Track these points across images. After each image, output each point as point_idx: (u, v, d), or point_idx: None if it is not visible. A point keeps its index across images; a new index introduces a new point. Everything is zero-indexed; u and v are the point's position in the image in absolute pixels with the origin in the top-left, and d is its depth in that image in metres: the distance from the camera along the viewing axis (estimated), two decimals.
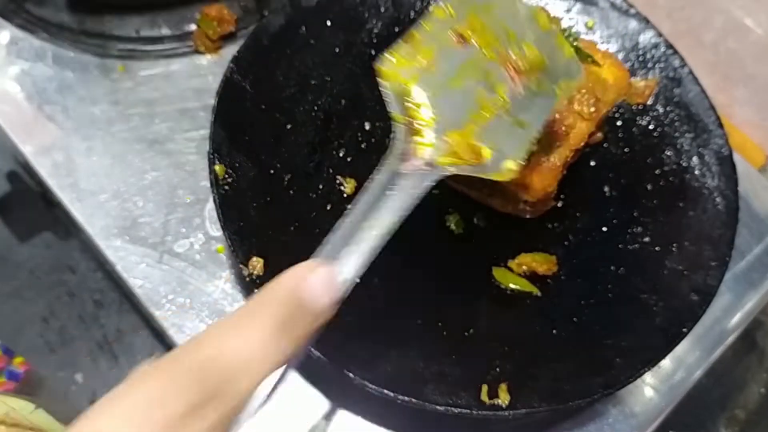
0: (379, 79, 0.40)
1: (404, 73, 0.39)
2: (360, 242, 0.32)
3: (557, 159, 0.50)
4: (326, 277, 0.30)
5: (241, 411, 0.25)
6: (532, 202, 0.53)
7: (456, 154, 0.38)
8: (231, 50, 0.70)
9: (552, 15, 0.66)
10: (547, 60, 0.43)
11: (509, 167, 0.40)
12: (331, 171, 0.60)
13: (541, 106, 0.42)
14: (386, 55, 0.40)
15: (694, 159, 0.60)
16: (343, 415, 0.55)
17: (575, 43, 0.53)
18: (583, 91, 0.51)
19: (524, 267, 0.57)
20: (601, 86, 0.52)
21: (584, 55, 0.53)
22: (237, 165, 0.54)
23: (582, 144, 0.52)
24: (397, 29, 0.65)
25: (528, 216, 0.57)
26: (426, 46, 0.40)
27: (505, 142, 0.40)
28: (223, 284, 0.59)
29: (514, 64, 0.41)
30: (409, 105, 0.39)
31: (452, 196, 0.60)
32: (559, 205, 0.60)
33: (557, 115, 0.50)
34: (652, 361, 0.50)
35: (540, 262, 0.57)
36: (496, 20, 0.42)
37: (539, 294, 0.56)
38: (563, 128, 0.50)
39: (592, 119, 0.52)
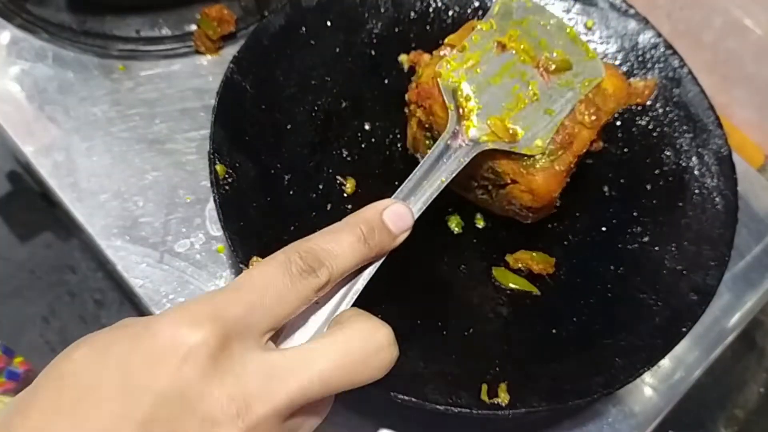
0: (437, 78, 0.51)
1: (456, 73, 0.51)
2: (422, 194, 0.44)
3: (561, 165, 0.51)
4: (402, 208, 0.40)
5: (328, 288, 0.36)
6: (536, 208, 0.53)
7: (495, 134, 0.49)
8: (231, 50, 0.70)
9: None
10: (573, 62, 0.52)
11: (538, 144, 0.50)
12: (331, 171, 0.60)
13: (567, 99, 0.52)
14: (443, 61, 0.52)
15: (694, 159, 0.60)
16: (343, 415, 0.56)
17: None
18: (585, 100, 0.53)
19: (520, 264, 0.57)
20: (602, 96, 0.53)
21: None
22: (237, 165, 0.55)
23: (584, 151, 0.53)
24: (397, 30, 0.66)
25: (529, 221, 0.57)
26: (473, 53, 0.52)
27: (535, 126, 0.50)
28: (223, 284, 0.59)
29: (544, 65, 0.52)
30: (459, 97, 0.50)
31: (453, 198, 0.60)
32: (559, 204, 0.60)
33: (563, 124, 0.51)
34: (651, 361, 0.50)
35: (537, 261, 0.57)
36: (530, 31, 0.53)
37: (539, 294, 0.56)
38: (567, 136, 0.51)
39: (593, 127, 0.53)
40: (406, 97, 0.56)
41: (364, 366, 0.34)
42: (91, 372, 0.29)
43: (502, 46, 0.52)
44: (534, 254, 0.58)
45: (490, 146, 0.49)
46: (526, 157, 0.51)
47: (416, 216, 0.41)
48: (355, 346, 0.33)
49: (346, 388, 0.33)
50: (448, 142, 0.48)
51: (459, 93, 0.50)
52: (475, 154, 0.48)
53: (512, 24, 0.53)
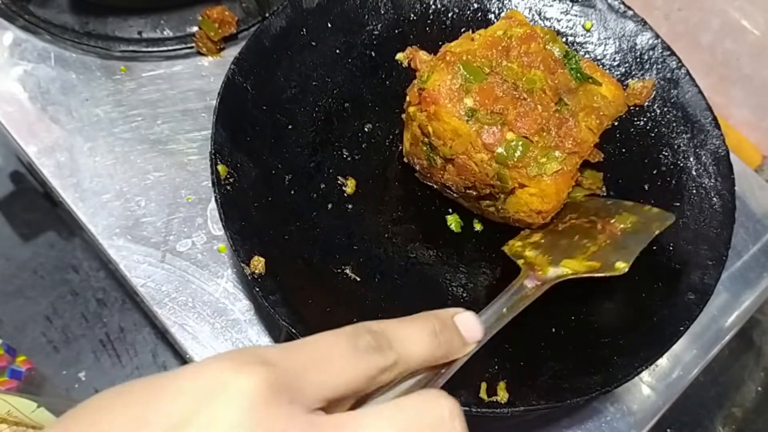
0: (505, 249, 0.56)
1: (521, 246, 0.56)
2: (499, 320, 0.44)
3: (568, 165, 0.52)
4: (474, 320, 0.38)
5: (394, 375, 0.32)
6: (546, 211, 0.54)
7: (573, 269, 0.51)
8: (232, 52, 0.70)
9: (549, 24, 0.67)
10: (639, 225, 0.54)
11: (619, 266, 0.50)
12: (331, 171, 0.60)
13: (638, 241, 0.52)
14: (510, 242, 0.57)
15: (691, 159, 0.60)
16: None
17: (577, 64, 0.55)
18: (588, 108, 0.54)
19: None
20: (604, 102, 0.55)
21: (585, 76, 0.55)
22: (238, 165, 0.55)
23: (588, 153, 0.54)
24: (396, 31, 0.66)
25: (527, 228, 0.58)
26: (535, 233, 0.57)
27: (613, 257, 0.51)
28: (224, 283, 0.59)
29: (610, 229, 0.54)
30: (527, 258, 0.53)
31: (452, 198, 0.61)
32: None
33: (574, 129, 0.53)
34: (649, 360, 0.50)
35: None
36: (587, 212, 0.57)
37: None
38: (574, 141, 0.52)
39: (597, 131, 0.54)
40: (407, 97, 0.56)
41: None
42: (107, 407, 0.26)
43: (564, 224, 0.56)
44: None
45: (571, 277, 0.50)
46: (532, 163, 0.52)
47: (482, 342, 0.39)
48: (410, 417, 0.29)
49: None
50: (525, 282, 0.49)
51: (526, 256, 0.53)
52: (555, 283, 0.50)
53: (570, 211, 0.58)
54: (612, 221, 0.54)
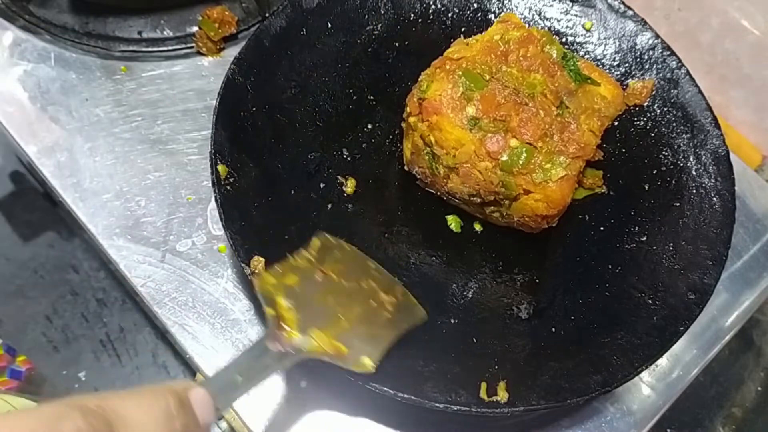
0: (255, 282, 0.49)
1: (273, 286, 0.48)
2: (232, 391, 0.40)
3: (572, 170, 0.52)
4: (208, 399, 0.35)
5: None
6: (551, 215, 0.54)
7: (320, 346, 0.46)
8: (232, 51, 0.70)
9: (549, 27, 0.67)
10: (398, 300, 0.52)
11: (365, 363, 0.47)
12: (331, 171, 0.60)
13: (389, 334, 0.50)
14: (260, 275, 0.49)
15: (691, 159, 0.60)
16: (344, 413, 0.56)
17: (575, 65, 0.55)
18: (589, 109, 0.54)
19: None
20: (603, 104, 0.55)
21: (583, 77, 0.55)
22: (238, 165, 0.55)
23: (590, 155, 0.54)
24: (396, 31, 0.66)
25: (535, 231, 0.58)
26: (292, 274, 0.49)
27: (360, 346, 0.48)
28: (224, 283, 0.59)
29: (376, 293, 0.51)
30: (279, 308, 0.47)
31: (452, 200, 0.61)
32: None
33: (577, 132, 0.52)
34: (649, 360, 0.50)
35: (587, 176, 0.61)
36: (350, 268, 0.52)
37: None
38: (577, 146, 0.52)
39: (599, 133, 0.54)
40: (406, 107, 0.56)
41: None
42: None
43: (324, 274, 0.50)
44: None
45: (316, 357, 0.46)
46: (537, 169, 0.52)
47: (221, 412, 0.36)
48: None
49: None
50: (267, 345, 0.44)
51: (278, 304, 0.47)
52: (296, 361, 0.45)
53: (331, 259, 0.52)
54: (384, 295, 0.50)
